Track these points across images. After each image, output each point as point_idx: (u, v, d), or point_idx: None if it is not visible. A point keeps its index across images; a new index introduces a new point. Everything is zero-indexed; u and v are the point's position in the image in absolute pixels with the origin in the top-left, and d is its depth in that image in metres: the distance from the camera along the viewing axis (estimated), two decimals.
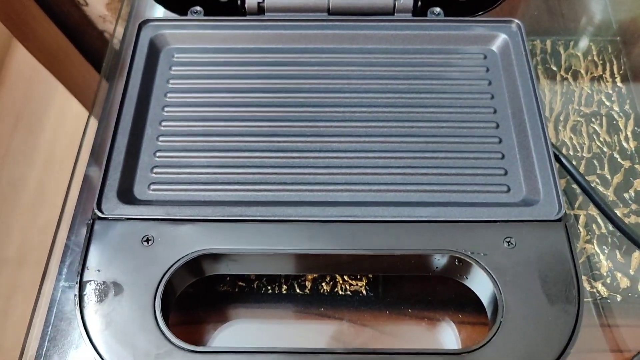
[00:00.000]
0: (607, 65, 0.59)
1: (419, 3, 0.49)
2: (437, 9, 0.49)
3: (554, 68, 0.59)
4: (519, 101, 0.45)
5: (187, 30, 0.49)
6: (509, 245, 0.38)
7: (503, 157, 0.43)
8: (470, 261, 0.38)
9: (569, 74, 0.59)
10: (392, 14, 0.49)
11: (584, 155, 0.53)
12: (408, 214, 0.39)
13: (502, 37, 0.48)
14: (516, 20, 0.48)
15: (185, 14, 0.50)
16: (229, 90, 0.46)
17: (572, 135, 0.55)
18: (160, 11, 0.57)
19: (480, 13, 0.51)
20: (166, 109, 0.45)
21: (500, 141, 0.44)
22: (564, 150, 0.54)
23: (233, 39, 0.49)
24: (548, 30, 0.62)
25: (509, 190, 0.41)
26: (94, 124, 0.57)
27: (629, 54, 0.60)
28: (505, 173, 0.42)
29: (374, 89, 0.46)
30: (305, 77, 0.47)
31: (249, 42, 0.49)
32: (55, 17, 0.64)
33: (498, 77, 0.47)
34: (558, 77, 0.58)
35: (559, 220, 0.39)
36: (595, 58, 0.60)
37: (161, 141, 0.44)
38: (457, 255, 0.38)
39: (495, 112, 0.45)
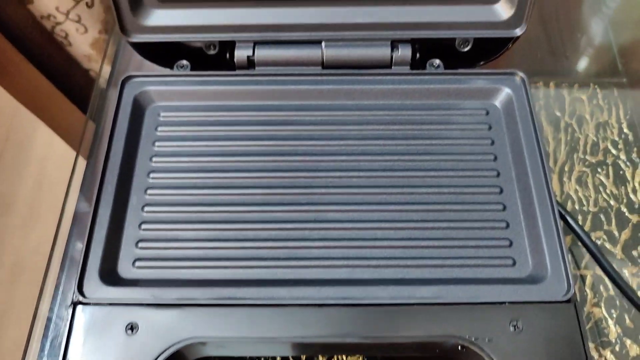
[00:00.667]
0: (613, 109, 0.57)
1: (418, 55, 0.46)
2: (437, 61, 0.47)
3: (558, 113, 0.57)
4: (524, 164, 0.42)
5: (173, 86, 0.46)
6: (515, 329, 0.36)
7: (508, 226, 0.41)
8: (474, 348, 0.35)
9: (574, 119, 0.56)
10: (390, 67, 0.47)
11: (590, 209, 0.51)
12: (408, 294, 0.37)
13: (505, 92, 0.46)
14: (520, 73, 0.46)
15: (172, 67, 0.48)
16: (218, 154, 0.44)
17: (578, 187, 0.52)
18: None
19: (482, 63, 0.49)
20: (152, 175, 0.43)
21: (505, 208, 0.41)
22: (569, 204, 0.51)
23: (222, 96, 0.46)
24: (551, 73, 0.60)
25: (514, 264, 0.39)
26: (82, 163, 0.54)
27: (635, 98, 0.58)
28: (510, 244, 0.40)
29: (372, 150, 0.44)
30: (299, 138, 0.44)
31: (238, 99, 0.46)
32: (37, 60, 0.62)
33: (501, 135, 0.45)
34: (562, 124, 0.56)
35: (568, 301, 0.37)
36: (601, 102, 0.57)
37: (147, 211, 0.41)
38: (460, 342, 0.35)
39: (498, 175, 0.43)
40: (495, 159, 0.43)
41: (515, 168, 0.43)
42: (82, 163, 0.55)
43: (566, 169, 0.53)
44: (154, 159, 0.44)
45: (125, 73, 0.47)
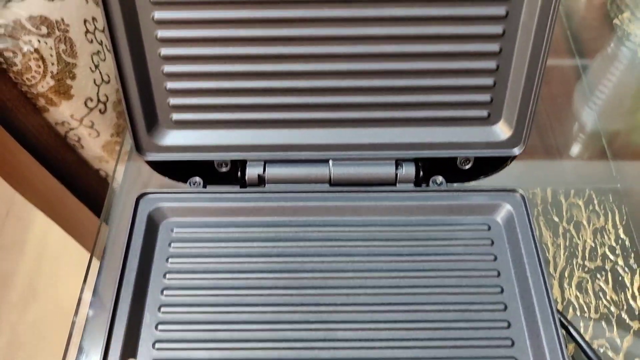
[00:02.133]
0: (609, 215, 0.59)
1: (421, 173, 0.48)
2: (440, 179, 0.49)
3: (556, 219, 0.59)
4: (527, 281, 0.44)
5: (187, 203, 0.48)
6: None
7: (513, 344, 0.42)
8: None
9: (571, 225, 0.58)
10: (394, 184, 0.48)
11: (592, 316, 0.52)
12: None
13: (506, 208, 0.48)
14: (520, 191, 0.48)
15: (185, 181, 0.50)
16: (230, 271, 0.45)
17: (578, 294, 0.54)
18: None
19: (482, 177, 0.51)
20: (165, 292, 0.44)
21: (509, 325, 0.42)
22: (570, 311, 0.52)
23: (233, 212, 0.48)
24: (548, 178, 0.62)
25: None
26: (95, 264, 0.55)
27: (630, 203, 0.60)
28: None
29: (378, 267, 0.45)
30: (308, 254, 0.46)
31: (249, 215, 0.48)
32: (49, 163, 0.64)
33: (504, 251, 0.46)
34: (560, 229, 0.58)
35: None
36: (597, 208, 0.59)
37: (160, 330, 0.42)
38: None
39: (502, 291, 0.44)
40: (499, 274, 0.45)
41: (518, 285, 0.44)
42: (95, 264, 0.56)
43: (566, 274, 0.55)
44: (168, 276, 0.45)
45: (140, 189, 0.48)
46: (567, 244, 0.57)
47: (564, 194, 0.60)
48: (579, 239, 0.57)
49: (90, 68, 0.63)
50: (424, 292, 0.44)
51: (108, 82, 0.66)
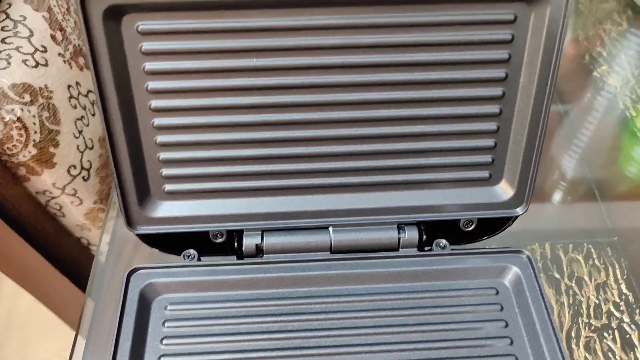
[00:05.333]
0: (610, 269, 0.58)
1: (424, 236, 0.47)
2: (443, 242, 0.47)
3: (557, 275, 0.57)
4: (541, 349, 0.42)
5: (181, 277, 0.45)
6: None
7: None
8: None
9: (573, 281, 0.57)
10: (397, 249, 0.47)
11: None
12: None
13: (513, 270, 0.46)
14: (526, 252, 0.47)
15: (178, 254, 0.47)
16: (230, 351, 0.42)
17: (587, 355, 0.52)
18: None
19: (486, 238, 0.49)
20: None
21: None
22: None
23: (230, 285, 0.46)
24: (545, 232, 0.61)
25: None
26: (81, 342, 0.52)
27: (629, 256, 0.59)
28: None
29: (386, 340, 0.43)
30: (311, 329, 0.44)
31: (247, 288, 0.46)
32: (27, 233, 0.61)
33: (514, 316, 0.44)
34: (563, 286, 0.57)
35: None
36: (597, 262, 0.58)
37: None
38: None
39: None
40: (512, 343, 0.43)
41: (533, 354, 0.42)
42: (81, 341, 0.53)
43: (573, 334, 0.53)
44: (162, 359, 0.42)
45: (128, 261, 0.46)
46: (571, 301, 0.56)
47: (562, 249, 0.60)
48: (582, 295, 0.56)
49: (74, 134, 0.61)
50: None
51: (92, 148, 0.64)
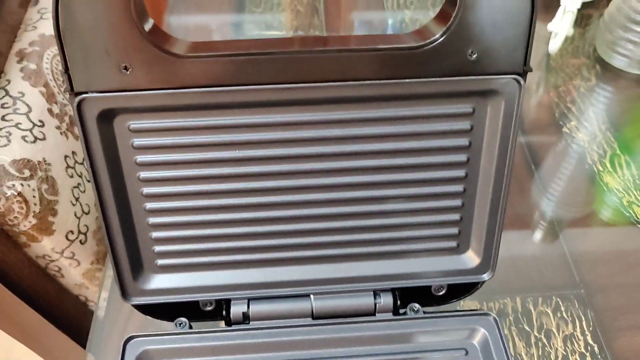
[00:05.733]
0: (577, 321, 0.62)
1: (398, 301, 0.51)
2: (416, 306, 0.51)
3: (527, 328, 0.61)
4: None
5: (173, 344, 0.49)
6: None
7: None
8: None
9: (542, 333, 0.61)
10: (374, 314, 0.51)
11: None
12: None
13: (481, 332, 0.50)
14: (492, 314, 0.50)
15: (170, 320, 0.51)
16: None
17: None
18: None
19: (455, 300, 0.53)
20: None
21: None
22: None
23: (220, 350, 0.49)
24: (516, 288, 0.65)
25: None
26: None
27: (594, 308, 0.63)
28: None
29: None
30: None
31: (235, 353, 0.49)
32: (27, 294, 0.64)
33: None
34: (532, 338, 0.60)
35: None
36: (565, 315, 0.62)
37: None
38: None
39: None
40: None
41: None
42: None
43: None
44: None
45: (125, 321, 0.49)
46: (540, 353, 0.59)
47: (532, 302, 0.63)
48: (550, 347, 0.60)
49: (71, 202, 0.65)
50: None
51: (88, 212, 0.68)
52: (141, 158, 0.44)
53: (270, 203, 0.47)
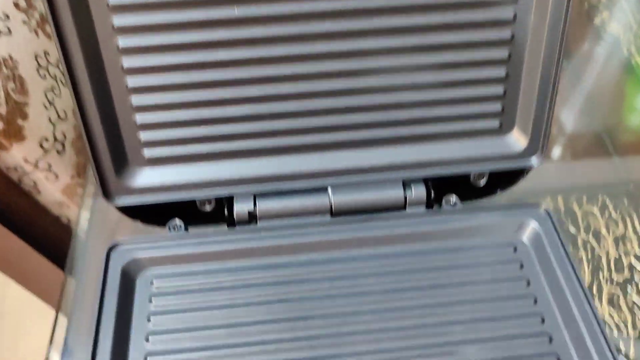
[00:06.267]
0: (628, 220, 0.54)
1: (432, 193, 0.43)
2: (453, 198, 0.43)
3: (573, 230, 0.54)
4: (569, 307, 0.38)
5: (166, 250, 0.41)
6: None
7: None
8: None
9: (590, 235, 0.53)
10: (404, 208, 0.43)
11: (630, 334, 0.47)
12: None
13: (530, 226, 0.42)
14: (544, 205, 0.43)
15: (164, 224, 0.43)
16: (225, 326, 0.38)
17: (612, 311, 0.49)
18: None
19: (499, 192, 0.45)
20: (149, 358, 0.37)
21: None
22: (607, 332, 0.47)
23: (222, 256, 0.41)
24: (555, 188, 0.57)
25: None
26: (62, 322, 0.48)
27: None
28: None
29: (398, 306, 0.39)
30: (314, 298, 0.40)
31: (241, 258, 0.41)
32: (1, 215, 0.56)
33: (535, 274, 0.41)
34: (580, 241, 0.53)
35: None
36: (614, 214, 0.55)
37: None
38: None
39: (543, 321, 0.38)
40: (535, 302, 0.39)
41: (560, 312, 0.39)
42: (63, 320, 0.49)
43: (594, 290, 0.50)
44: (151, 339, 0.38)
45: (110, 236, 0.42)
46: (590, 256, 0.52)
47: (576, 201, 0.56)
48: (601, 250, 0.52)
49: (44, 105, 0.56)
50: (456, 330, 0.38)
51: (65, 119, 0.59)
52: (119, 21, 0.35)
53: (277, 75, 0.38)
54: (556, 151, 0.61)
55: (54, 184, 0.60)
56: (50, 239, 0.63)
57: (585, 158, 0.61)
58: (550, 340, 0.38)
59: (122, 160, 0.41)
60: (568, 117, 0.63)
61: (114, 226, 0.54)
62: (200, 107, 0.39)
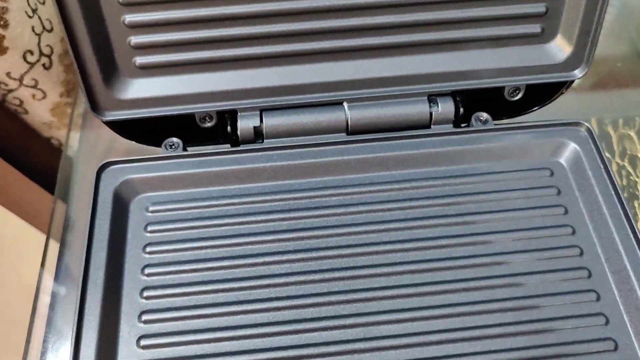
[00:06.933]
0: None
1: (461, 109, 0.38)
2: (484, 115, 0.39)
3: (607, 154, 0.49)
4: (612, 238, 0.34)
5: (163, 172, 0.37)
6: None
7: (607, 322, 0.32)
8: None
9: (626, 160, 0.49)
10: (429, 126, 0.38)
11: None
12: None
13: (570, 146, 0.38)
14: (585, 123, 0.38)
15: (159, 145, 0.38)
16: (229, 257, 0.34)
17: None
18: None
19: (535, 109, 0.40)
20: (146, 292, 0.33)
21: (599, 298, 0.33)
22: None
23: (224, 178, 0.37)
24: (588, 108, 0.52)
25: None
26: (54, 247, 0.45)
27: None
28: (616, 348, 0.31)
29: (421, 235, 0.35)
30: (328, 226, 0.36)
31: (246, 181, 0.37)
32: None
33: (574, 201, 0.36)
34: (614, 166, 0.48)
35: None
36: None
37: (142, 347, 0.32)
38: None
39: (581, 254, 0.34)
40: (574, 232, 0.35)
41: (600, 244, 0.34)
42: (54, 246, 0.46)
43: None
44: (147, 271, 0.34)
45: (102, 159, 0.37)
46: (625, 183, 0.47)
47: (611, 124, 0.51)
48: (637, 176, 0.48)
49: (27, 13, 0.50)
50: (484, 262, 0.34)
51: (51, 30, 0.53)
52: None
53: None
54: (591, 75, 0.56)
55: (41, 102, 0.55)
56: (41, 164, 0.58)
57: (621, 79, 0.56)
58: (590, 275, 0.34)
59: (111, 68, 0.36)
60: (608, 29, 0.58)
61: (107, 148, 0.50)
62: (200, 4, 0.34)
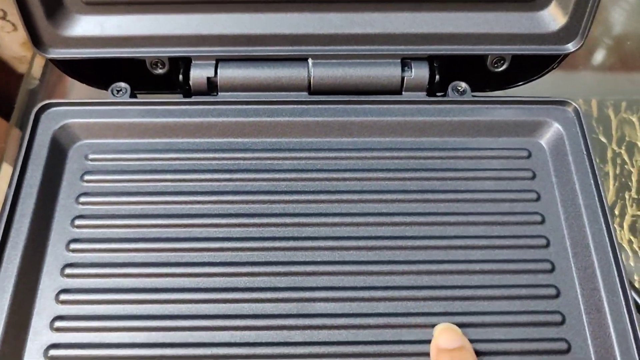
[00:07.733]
0: None
1: (437, 77, 0.34)
2: (462, 85, 0.35)
3: (604, 139, 0.45)
4: (583, 231, 0.31)
5: (107, 118, 0.34)
6: None
7: (563, 321, 0.29)
8: None
9: (623, 147, 0.45)
10: (400, 92, 0.35)
11: None
12: None
13: (553, 127, 0.34)
14: (573, 103, 0.34)
15: (107, 88, 0.36)
16: (169, 215, 0.32)
17: (632, 238, 0.41)
18: None
19: (521, 83, 0.37)
20: (73, 245, 0.31)
21: (558, 294, 0.30)
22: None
23: (172, 131, 0.34)
24: (590, 87, 0.49)
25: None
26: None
27: None
28: (569, 349, 0.29)
29: (377, 209, 0.32)
30: (277, 191, 0.33)
31: (195, 135, 0.34)
32: None
33: (549, 187, 0.33)
34: (609, 153, 0.45)
35: None
36: None
37: (61, 301, 0.29)
38: None
39: (547, 245, 0.31)
40: (543, 221, 0.32)
41: (570, 236, 0.31)
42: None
43: (617, 212, 0.42)
44: (77, 222, 0.32)
45: (42, 101, 0.34)
46: (618, 172, 0.44)
47: (613, 106, 0.47)
48: (632, 165, 0.44)
49: None
50: (438, 244, 0.31)
51: None
52: None
53: None
54: (599, 54, 0.51)
55: (12, 36, 0.52)
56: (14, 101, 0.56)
57: (630, 62, 0.52)
58: (553, 268, 0.31)
59: (55, 1, 0.33)
60: (618, 17, 0.53)
61: (68, 87, 0.47)
62: None
